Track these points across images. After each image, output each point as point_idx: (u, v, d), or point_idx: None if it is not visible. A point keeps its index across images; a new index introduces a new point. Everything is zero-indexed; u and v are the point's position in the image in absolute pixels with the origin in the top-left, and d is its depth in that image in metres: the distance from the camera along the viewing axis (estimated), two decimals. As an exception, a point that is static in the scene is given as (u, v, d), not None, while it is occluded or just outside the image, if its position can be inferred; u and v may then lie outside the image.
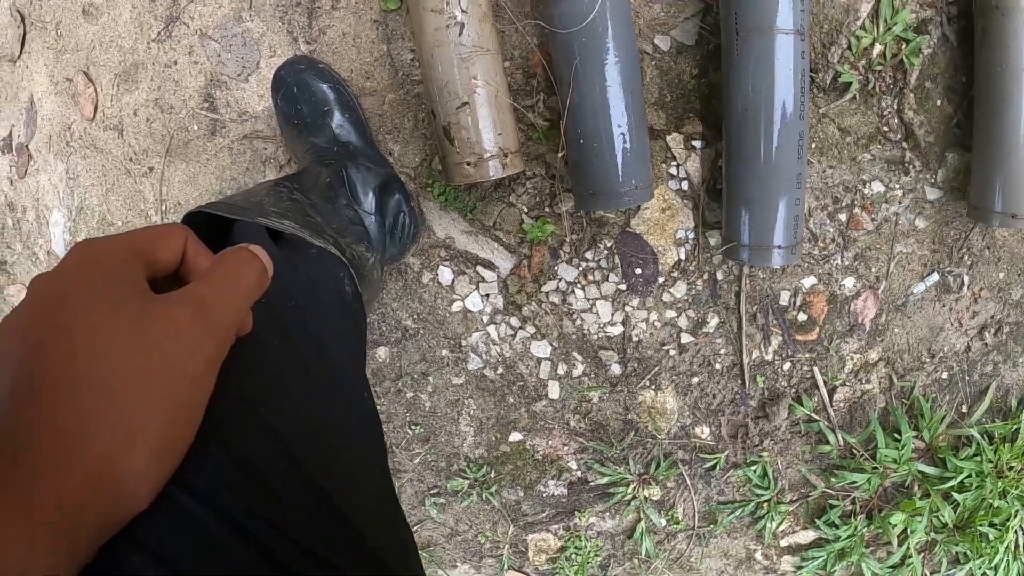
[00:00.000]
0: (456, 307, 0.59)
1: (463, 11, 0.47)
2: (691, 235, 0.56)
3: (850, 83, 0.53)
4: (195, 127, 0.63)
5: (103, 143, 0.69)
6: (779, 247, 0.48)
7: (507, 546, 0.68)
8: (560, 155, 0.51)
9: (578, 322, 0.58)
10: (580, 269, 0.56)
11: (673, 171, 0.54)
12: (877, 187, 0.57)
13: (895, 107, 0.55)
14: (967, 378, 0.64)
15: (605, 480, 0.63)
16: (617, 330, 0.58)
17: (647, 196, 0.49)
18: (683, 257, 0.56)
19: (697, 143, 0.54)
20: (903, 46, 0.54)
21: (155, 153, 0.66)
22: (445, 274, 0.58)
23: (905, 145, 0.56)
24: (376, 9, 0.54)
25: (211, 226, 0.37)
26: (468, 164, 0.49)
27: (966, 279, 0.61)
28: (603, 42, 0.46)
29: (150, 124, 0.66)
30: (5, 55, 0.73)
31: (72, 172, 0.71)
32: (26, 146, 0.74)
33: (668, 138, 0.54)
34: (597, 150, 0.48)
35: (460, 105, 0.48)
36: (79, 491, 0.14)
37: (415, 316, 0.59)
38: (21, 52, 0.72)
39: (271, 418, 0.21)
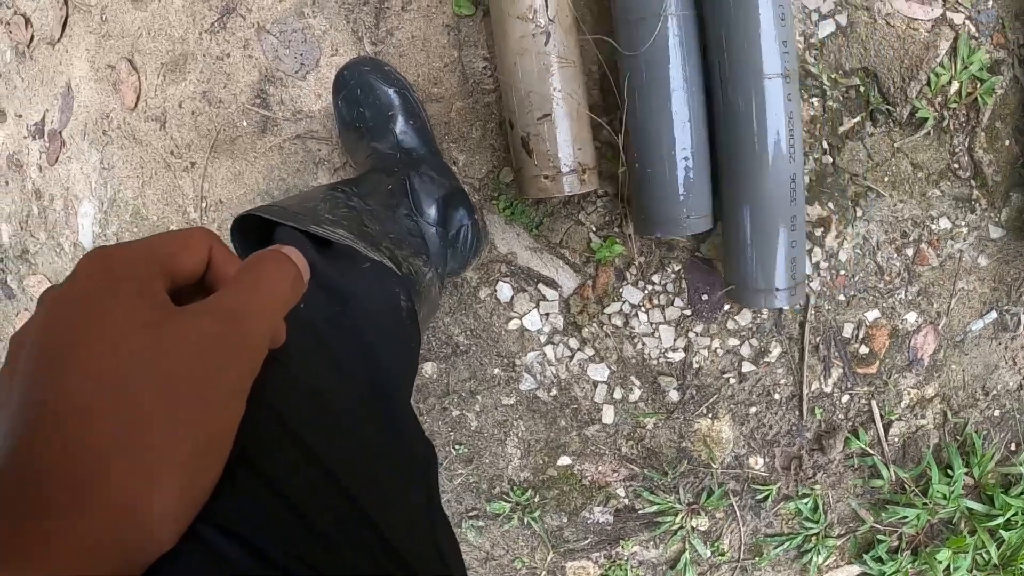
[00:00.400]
0: (513, 325, 0.56)
1: (550, 20, 0.45)
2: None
3: (926, 119, 0.52)
4: (244, 123, 0.61)
5: (143, 134, 0.65)
6: (779, 290, 0.46)
7: (544, 573, 0.65)
8: (621, 173, 0.49)
9: (639, 346, 0.56)
10: (645, 292, 0.54)
11: (746, 197, 0.53)
12: (944, 223, 0.56)
13: (966, 145, 0.55)
14: (1018, 416, 0.63)
15: (653, 509, 0.61)
16: (678, 356, 0.56)
17: (704, 225, 0.47)
18: (750, 284, 0.55)
19: (772, 170, 0.52)
20: (978, 85, 0.53)
21: (199, 148, 0.63)
22: (504, 290, 0.55)
23: (973, 183, 0.56)
24: (449, 14, 0.52)
25: (263, 230, 0.35)
26: (545, 177, 0.47)
27: (1023, 318, 0.60)
28: (665, 68, 0.44)
29: (195, 117, 0.63)
30: (44, 37, 0.70)
31: (107, 162, 0.68)
32: (59, 132, 0.71)
33: (744, 163, 0.52)
34: (651, 175, 0.46)
35: (541, 116, 0.46)
36: (99, 536, 0.12)
37: (468, 332, 0.57)
38: (62, 35, 0.68)
39: (313, 442, 0.19)
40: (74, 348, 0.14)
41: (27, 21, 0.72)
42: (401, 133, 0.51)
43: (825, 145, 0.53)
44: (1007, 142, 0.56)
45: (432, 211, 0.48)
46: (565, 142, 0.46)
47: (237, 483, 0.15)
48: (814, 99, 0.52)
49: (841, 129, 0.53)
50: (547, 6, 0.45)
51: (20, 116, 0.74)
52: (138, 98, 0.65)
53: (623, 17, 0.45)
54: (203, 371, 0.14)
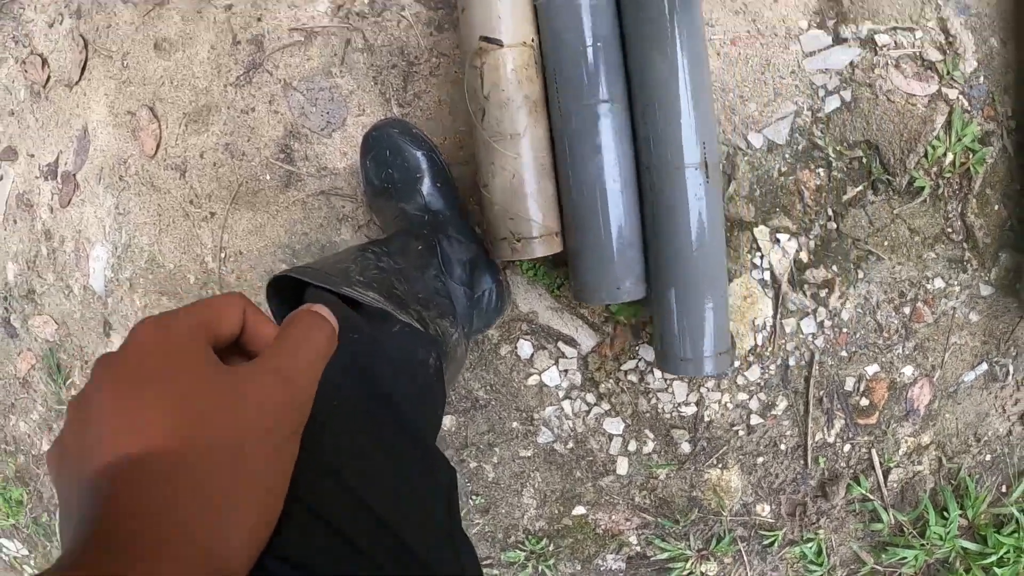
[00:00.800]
0: (532, 380, 0.58)
1: (485, 97, 0.48)
2: (769, 322, 0.57)
3: (923, 188, 0.56)
4: (267, 177, 0.62)
5: (162, 182, 0.66)
6: (706, 357, 0.48)
7: (557, 617, 0.66)
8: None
9: (653, 401, 0.58)
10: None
11: (757, 261, 0.56)
12: (939, 283, 0.59)
13: (959, 211, 0.58)
14: (1008, 460, 0.66)
15: (664, 555, 0.63)
16: (690, 410, 0.58)
17: (638, 293, 0.49)
18: (759, 343, 0.57)
19: (782, 236, 0.55)
20: (970, 156, 0.57)
21: (219, 198, 0.64)
22: (525, 348, 0.57)
23: (965, 245, 0.59)
24: (474, 81, 0.54)
25: (295, 289, 0.36)
26: (503, 239, 0.49)
27: (1011, 369, 0.64)
28: (596, 151, 0.47)
29: (217, 168, 0.63)
30: (61, 79, 0.70)
31: (123, 207, 0.68)
32: (73, 175, 0.71)
33: (755, 230, 0.55)
34: (584, 244, 0.48)
35: (483, 186, 0.49)
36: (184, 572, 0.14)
37: (488, 387, 0.58)
38: (80, 78, 0.69)
39: (353, 482, 0.21)
40: (145, 411, 0.15)
41: (44, 61, 0.72)
42: (429, 195, 0.52)
43: (830, 212, 0.56)
44: (996, 207, 0.59)
45: (460, 274, 0.49)
46: (502, 211, 0.48)
47: (295, 519, 0.17)
48: (820, 169, 0.55)
49: (845, 197, 0.56)
50: (481, 86, 0.48)
51: (32, 156, 0.74)
52: (158, 146, 0.66)
53: (564, 105, 0.48)
54: (265, 423, 0.16)
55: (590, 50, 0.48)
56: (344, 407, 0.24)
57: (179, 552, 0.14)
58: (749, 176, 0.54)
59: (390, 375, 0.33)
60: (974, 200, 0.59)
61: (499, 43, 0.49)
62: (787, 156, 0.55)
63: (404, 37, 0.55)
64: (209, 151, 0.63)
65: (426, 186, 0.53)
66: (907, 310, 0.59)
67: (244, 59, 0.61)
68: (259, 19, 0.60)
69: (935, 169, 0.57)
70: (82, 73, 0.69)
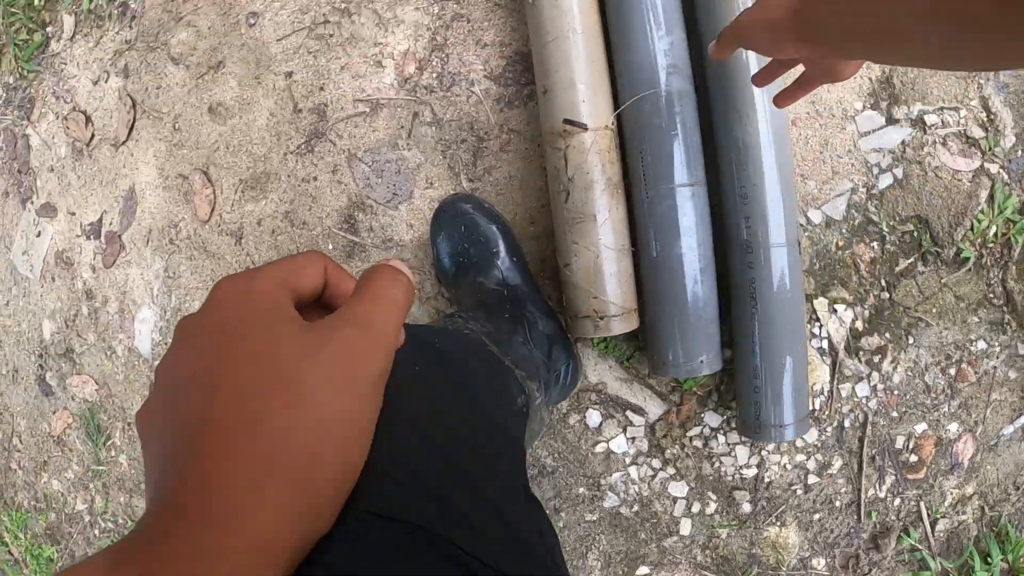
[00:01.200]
0: (600, 448, 0.59)
1: (569, 179, 0.49)
2: (827, 387, 0.59)
3: (968, 258, 0.59)
4: (329, 246, 0.62)
5: (215, 247, 0.65)
6: (792, 423, 0.50)
7: (617, 672, 0.68)
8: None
9: (716, 464, 0.60)
10: (724, 417, 0.58)
11: (816, 331, 0.58)
12: (981, 344, 0.63)
13: (1000, 277, 0.62)
14: (1040, 508, 0.70)
15: (724, 611, 0.64)
16: (752, 472, 0.60)
17: (716, 366, 0.51)
18: (817, 407, 0.59)
19: (839, 306, 0.58)
20: (1011, 226, 0.60)
21: (278, 264, 0.64)
22: (593, 417, 0.58)
23: (1005, 309, 0.63)
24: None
25: None
26: (584, 317, 0.50)
27: (1044, 422, 0.67)
28: (675, 227, 0.50)
29: (275, 236, 0.63)
30: (107, 138, 0.69)
31: (173, 271, 0.68)
32: (119, 236, 0.70)
33: (815, 302, 0.57)
34: (660, 321, 0.51)
35: (565, 265, 0.50)
36: (275, 521, 0.14)
37: (556, 455, 0.60)
38: (127, 138, 0.68)
39: (432, 433, 0.22)
40: (227, 368, 0.15)
41: (87, 119, 0.71)
42: (506, 270, 0.53)
43: (883, 283, 0.59)
44: (1032, 272, 0.63)
45: (541, 345, 0.50)
46: (584, 290, 0.50)
47: (380, 470, 0.17)
48: (874, 243, 0.58)
49: (897, 269, 0.59)
50: (565, 168, 0.50)
51: (73, 214, 0.73)
52: (212, 211, 0.65)
53: (649, 189, 0.50)
54: (350, 371, 0.16)
55: (678, 135, 0.49)
56: (423, 376, 0.25)
57: (272, 498, 0.14)
58: (809, 251, 0.57)
59: (472, 374, 0.33)
60: (1014, 267, 0.62)
61: (584, 127, 0.50)
62: (844, 231, 0.57)
63: (474, 112, 0.57)
64: (267, 219, 0.63)
65: (503, 260, 0.53)
66: (952, 371, 0.63)
67: (306, 128, 0.61)
68: (321, 88, 0.61)
69: (979, 240, 0.60)
70: (130, 133, 0.68)
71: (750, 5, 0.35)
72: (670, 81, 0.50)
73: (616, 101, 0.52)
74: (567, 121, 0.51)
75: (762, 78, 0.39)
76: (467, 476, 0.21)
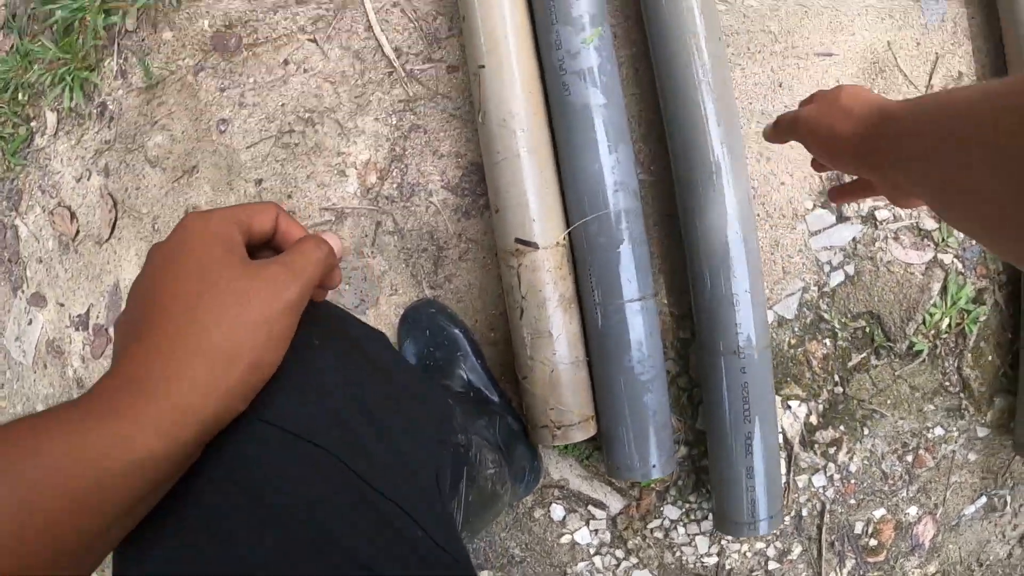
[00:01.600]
0: (565, 539, 0.62)
1: (522, 297, 0.51)
2: (783, 479, 0.61)
3: (922, 350, 0.60)
4: (302, 343, 0.65)
5: (196, 342, 0.69)
6: (765, 519, 0.53)
7: None
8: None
9: (677, 554, 0.62)
10: (683, 509, 0.61)
11: (771, 426, 0.60)
12: (938, 431, 0.64)
13: (956, 365, 0.63)
14: (1007, 581, 0.71)
15: None
16: (712, 560, 0.63)
17: (668, 470, 0.53)
18: (775, 497, 0.61)
19: (793, 403, 0.60)
20: (965, 316, 0.62)
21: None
22: (557, 511, 0.61)
23: (962, 395, 0.64)
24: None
25: None
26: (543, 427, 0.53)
27: (1008, 499, 0.69)
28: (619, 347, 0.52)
29: (251, 332, 0.66)
30: (91, 234, 0.72)
31: (156, 363, 0.71)
32: (106, 329, 0.73)
33: (769, 400, 0.59)
34: (610, 429, 0.53)
35: (522, 378, 0.53)
36: (193, 396, 0.19)
37: (523, 546, 0.62)
38: (110, 236, 0.71)
39: (350, 378, 0.26)
40: (181, 278, 0.21)
41: (72, 215, 0.75)
42: (470, 371, 0.56)
43: (836, 378, 0.61)
44: (989, 357, 0.64)
45: (504, 444, 0.53)
46: (541, 400, 0.52)
47: (291, 391, 0.22)
48: (827, 340, 0.60)
49: (850, 364, 0.60)
50: (518, 285, 0.52)
51: (62, 305, 0.76)
52: (191, 308, 0.68)
53: (599, 304, 0.52)
54: (270, 294, 0.21)
55: (626, 252, 0.51)
56: (355, 359, 0.28)
57: (192, 376, 0.19)
58: (762, 351, 0.59)
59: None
60: (969, 355, 0.64)
61: (535, 246, 0.53)
62: (796, 329, 0.59)
63: (433, 222, 0.59)
64: (243, 316, 0.66)
65: (468, 363, 0.56)
66: (910, 458, 0.64)
67: (276, 232, 0.64)
68: (289, 196, 0.63)
69: (932, 332, 0.62)
70: (112, 231, 0.72)
71: (814, 104, 0.31)
72: (617, 199, 0.53)
73: (567, 216, 0.54)
74: (519, 240, 0.53)
75: (840, 195, 0.36)
76: (373, 415, 0.25)
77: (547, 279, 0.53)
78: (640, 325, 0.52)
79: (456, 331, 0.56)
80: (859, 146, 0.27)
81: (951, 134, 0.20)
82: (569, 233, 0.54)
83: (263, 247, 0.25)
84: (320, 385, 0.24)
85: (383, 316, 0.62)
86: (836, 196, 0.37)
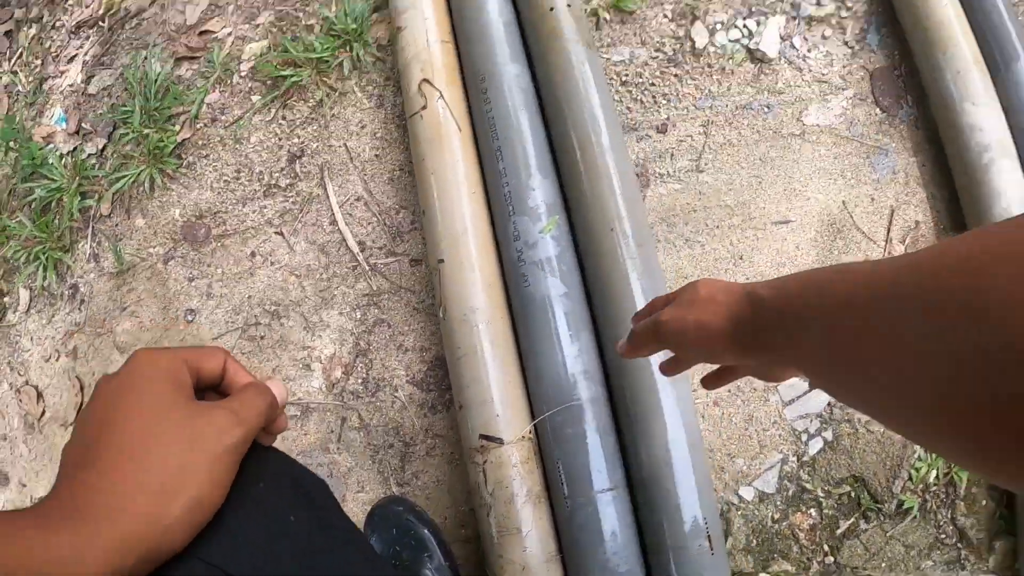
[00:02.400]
0: None
1: (490, 494, 0.50)
2: (783, 659, 0.59)
3: (911, 507, 0.59)
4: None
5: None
6: None
7: None
8: None
9: None
10: None
11: (764, 606, 0.58)
12: (941, 587, 0.62)
13: (949, 516, 0.62)
14: None
15: None
16: None
17: None
18: None
19: (783, 580, 0.58)
20: (953, 465, 0.60)
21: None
22: None
23: (960, 546, 0.62)
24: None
25: None
26: None
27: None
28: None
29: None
30: (57, 416, 0.72)
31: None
32: (71, 518, 0.72)
33: (757, 579, 0.57)
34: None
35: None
36: (137, 527, 0.20)
37: None
38: (75, 420, 0.70)
39: (281, 523, 0.26)
40: (125, 414, 0.21)
41: (39, 394, 0.74)
42: (436, 572, 0.54)
43: (826, 548, 0.59)
44: (983, 502, 0.63)
45: None
46: None
47: (224, 530, 0.23)
48: (812, 510, 0.59)
49: (838, 531, 0.59)
50: (485, 483, 0.51)
51: (24, 486, 0.75)
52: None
53: (569, 498, 0.52)
54: (213, 437, 0.22)
55: (593, 443, 0.51)
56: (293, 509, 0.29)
57: (134, 510, 0.20)
58: (744, 529, 0.57)
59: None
60: (961, 503, 0.62)
61: (499, 441, 0.52)
62: (779, 503, 0.58)
63: (399, 417, 0.59)
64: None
65: (436, 563, 0.54)
66: (914, 619, 0.62)
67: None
68: (256, 383, 0.63)
69: (920, 486, 0.60)
70: (77, 415, 0.71)
71: (672, 306, 0.30)
72: (581, 389, 0.52)
73: (532, 408, 0.54)
74: (483, 436, 0.52)
75: (715, 382, 0.35)
76: (315, 559, 0.25)
77: (514, 474, 0.52)
78: (612, 515, 0.51)
79: (424, 531, 0.55)
80: (736, 336, 0.26)
81: (828, 311, 0.20)
82: (535, 425, 0.53)
83: (209, 389, 0.26)
84: (265, 528, 0.24)
85: (350, 514, 0.60)
86: (710, 384, 0.35)
